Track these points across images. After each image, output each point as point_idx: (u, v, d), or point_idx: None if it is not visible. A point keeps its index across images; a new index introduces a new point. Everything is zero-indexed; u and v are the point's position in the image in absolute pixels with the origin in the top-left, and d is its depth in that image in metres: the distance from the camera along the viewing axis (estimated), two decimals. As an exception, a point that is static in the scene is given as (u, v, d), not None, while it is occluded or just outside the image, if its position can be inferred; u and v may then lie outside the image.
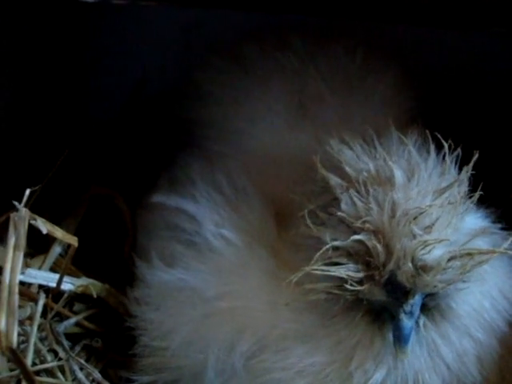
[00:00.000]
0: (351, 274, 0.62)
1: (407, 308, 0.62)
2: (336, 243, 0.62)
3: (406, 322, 0.62)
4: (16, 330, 0.64)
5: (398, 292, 0.62)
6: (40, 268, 0.85)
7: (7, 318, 0.65)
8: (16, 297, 0.66)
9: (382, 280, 0.61)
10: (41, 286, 0.82)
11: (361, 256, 0.62)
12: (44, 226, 0.73)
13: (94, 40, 1.09)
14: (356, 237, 0.62)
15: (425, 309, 0.64)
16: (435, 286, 0.62)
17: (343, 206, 0.64)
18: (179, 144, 0.90)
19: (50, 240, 0.87)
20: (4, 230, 0.87)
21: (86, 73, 1.10)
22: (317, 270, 0.62)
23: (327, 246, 0.62)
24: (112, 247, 0.94)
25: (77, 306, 0.85)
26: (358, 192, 0.64)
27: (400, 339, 0.62)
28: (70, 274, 0.84)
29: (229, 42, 0.94)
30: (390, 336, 0.64)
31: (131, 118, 1.10)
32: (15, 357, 0.63)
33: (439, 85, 0.92)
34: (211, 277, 0.70)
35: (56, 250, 0.87)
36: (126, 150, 1.07)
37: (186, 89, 0.92)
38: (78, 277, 0.84)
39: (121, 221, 0.97)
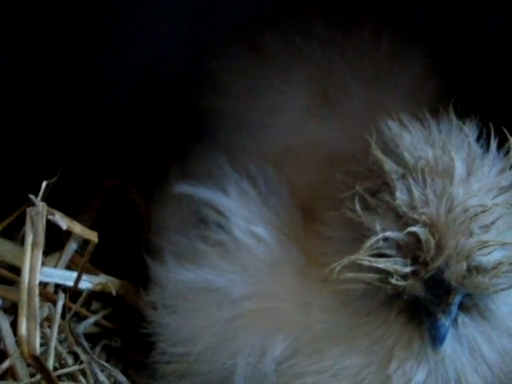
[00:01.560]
0: (398, 268, 0.58)
1: (446, 307, 0.59)
2: (388, 234, 0.59)
3: (443, 321, 0.59)
4: (38, 335, 0.60)
5: (440, 290, 0.59)
6: (56, 266, 0.82)
7: (28, 323, 0.61)
8: (36, 299, 0.63)
9: (426, 276, 0.58)
10: (57, 285, 0.79)
11: (410, 250, 0.59)
12: (63, 221, 0.70)
13: (101, 29, 1.06)
14: (412, 229, 0.58)
15: (462, 307, 0.62)
16: (487, 289, 0.59)
17: (398, 194, 0.60)
18: (192, 134, 0.87)
19: (63, 236, 0.84)
20: (16, 226, 0.85)
21: (94, 63, 1.07)
22: (363, 260, 0.59)
23: (379, 237, 0.59)
24: (127, 241, 0.91)
25: (94, 305, 0.82)
26: (414, 181, 0.61)
27: (435, 338, 0.60)
28: (86, 272, 0.80)
29: (241, 28, 0.91)
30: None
31: (140, 108, 1.07)
32: (39, 365, 0.59)
33: (467, 69, 0.90)
34: (238, 276, 0.67)
35: (72, 246, 0.84)
36: (136, 140, 1.04)
37: (201, 78, 0.88)
38: (95, 274, 0.81)
39: (136, 214, 0.94)
